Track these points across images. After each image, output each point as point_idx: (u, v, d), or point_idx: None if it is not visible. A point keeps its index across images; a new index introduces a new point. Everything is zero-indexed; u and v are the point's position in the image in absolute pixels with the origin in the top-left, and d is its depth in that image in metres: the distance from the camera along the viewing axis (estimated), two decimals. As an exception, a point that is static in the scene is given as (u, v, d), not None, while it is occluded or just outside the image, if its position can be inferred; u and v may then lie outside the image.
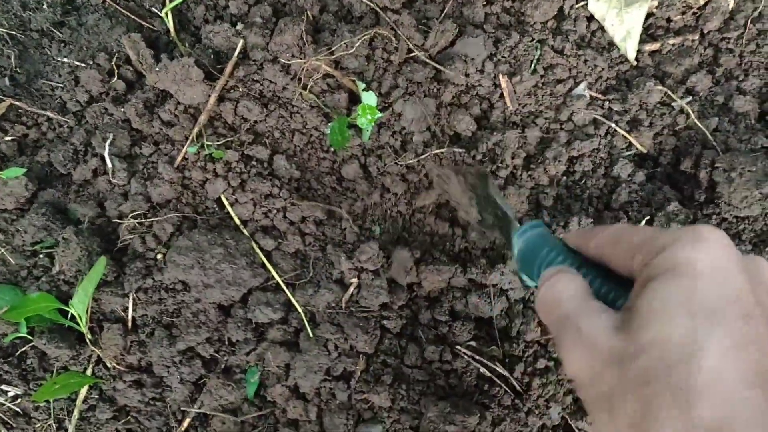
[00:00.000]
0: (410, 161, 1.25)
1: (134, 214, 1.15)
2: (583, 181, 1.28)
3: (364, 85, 1.20)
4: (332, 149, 1.27)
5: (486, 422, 1.09)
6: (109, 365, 1.14)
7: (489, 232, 1.20)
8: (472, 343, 1.16)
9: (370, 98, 1.20)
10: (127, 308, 1.13)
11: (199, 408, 1.13)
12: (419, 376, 1.11)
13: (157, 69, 1.18)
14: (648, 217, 1.22)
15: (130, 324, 1.14)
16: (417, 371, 1.12)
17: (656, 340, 0.47)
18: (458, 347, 1.12)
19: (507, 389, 1.14)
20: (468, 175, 1.02)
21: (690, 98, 1.34)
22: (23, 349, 1.15)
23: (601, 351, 0.50)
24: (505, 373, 1.14)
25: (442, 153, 1.26)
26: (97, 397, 1.15)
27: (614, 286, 0.57)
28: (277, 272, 1.15)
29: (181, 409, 1.14)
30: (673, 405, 0.44)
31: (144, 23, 1.27)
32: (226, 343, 1.14)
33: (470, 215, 1.01)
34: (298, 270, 1.17)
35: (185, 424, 1.13)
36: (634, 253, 0.53)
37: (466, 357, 1.12)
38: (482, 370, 1.12)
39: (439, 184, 1.20)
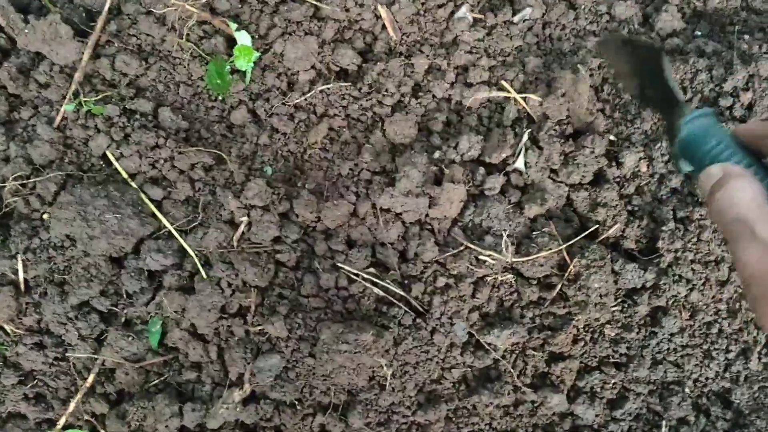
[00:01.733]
0: (297, 100, 1.25)
1: (15, 176, 1.14)
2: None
3: (236, 26, 1.20)
4: (221, 98, 1.26)
5: (385, 341, 1.10)
6: (7, 330, 1.13)
7: (648, 108, 1.14)
8: (371, 269, 1.17)
9: (244, 38, 1.20)
10: (17, 270, 1.12)
11: (102, 363, 1.13)
12: (316, 303, 1.11)
13: (25, 30, 1.17)
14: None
15: (22, 286, 1.13)
16: (313, 299, 1.12)
17: None
18: (354, 272, 1.12)
19: (407, 309, 1.15)
20: (639, 47, 1.00)
21: (573, 11, 1.35)
22: None
23: None
24: (404, 294, 1.15)
25: (328, 89, 1.26)
26: (1, 363, 1.15)
27: None
28: (168, 220, 1.15)
29: (85, 366, 1.14)
30: None
31: (14, -11, 1.26)
32: (123, 295, 1.14)
33: (629, 89, 0.96)
34: (189, 216, 1.16)
35: (90, 380, 1.12)
36: None
37: (362, 282, 1.12)
38: (379, 292, 1.12)
39: (603, 51, 1.13)
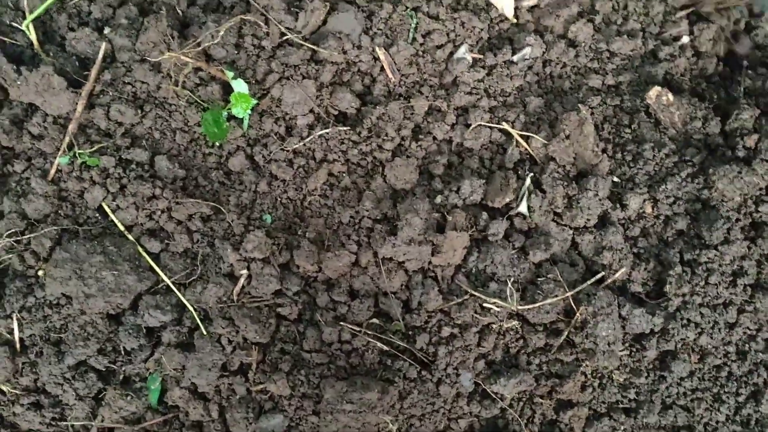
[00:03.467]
0: (296, 146, 1.23)
1: (9, 232, 1.12)
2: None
3: (232, 74, 1.18)
4: (218, 144, 1.24)
5: (391, 396, 1.07)
6: (4, 389, 1.11)
7: None
8: (374, 320, 1.14)
9: (241, 86, 1.18)
10: (13, 329, 1.10)
11: (101, 422, 1.10)
12: (318, 359, 1.09)
13: (18, 82, 1.15)
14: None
15: (18, 345, 1.10)
16: (316, 355, 1.09)
17: None
18: (355, 326, 1.10)
19: (411, 362, 1.12)
20: None
21: (573, 49, 1.33)
22: None
23: None
24: (408, 346, 1.12)
25: (327, 134, 1.24)
26: (-3, 424, 1.12)
27: None
28: (166, 273, 1.12)
29: (84, 425, 1.11)
30: None
31: (6, 39, 1.24)
32: (122, 352, 1.11)
33: None
34: (188, 269, 1.14)
35: (88, 440, 1.10)
36: None
37: (365, 335, 1.10)
38: (383, 346, 1.10)
39: None
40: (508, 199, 1.21)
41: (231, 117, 1.23)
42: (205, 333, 1.09)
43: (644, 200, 1.23)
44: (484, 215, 1.21)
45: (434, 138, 1.27)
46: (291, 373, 1.07)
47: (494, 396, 1.17)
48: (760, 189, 1.25)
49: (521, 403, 1.20)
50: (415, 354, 1.13)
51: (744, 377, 1.25)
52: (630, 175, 1.26)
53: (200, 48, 1.20)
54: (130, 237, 1.14)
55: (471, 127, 1.26)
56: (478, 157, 1.27)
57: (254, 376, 1.08)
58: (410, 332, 1.14)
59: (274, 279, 1.11)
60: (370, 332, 1.09)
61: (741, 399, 1.24)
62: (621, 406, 1.23)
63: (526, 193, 1.21)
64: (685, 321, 1.21)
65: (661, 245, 1.24)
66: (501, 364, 1.19)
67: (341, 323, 1.10)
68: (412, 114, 1.27)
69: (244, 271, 1.11)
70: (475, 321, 1.16)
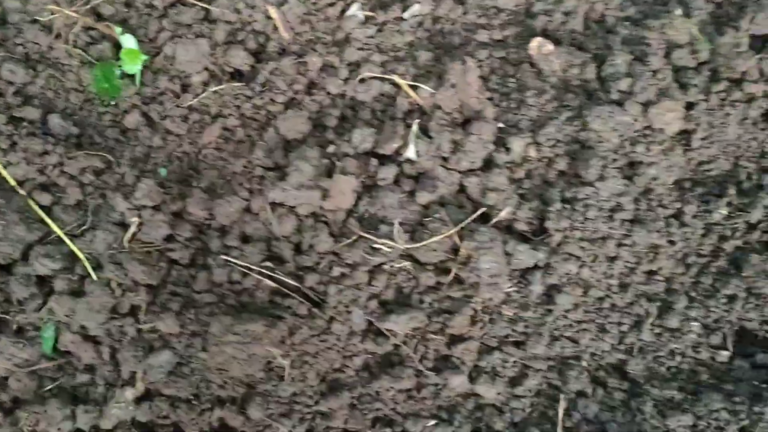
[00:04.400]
0: (190, 102, 1.27)
1: None
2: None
3: (120, 29, 1.21)
4: (114, 103, 1.27)
5: (279, 331, 1.11)
6: None
7: None
8: (266, 263, 1.18)
9: (129, 42, 1.21)
10: None
11: (-5, 371, 1.11)
12: (208, 299, 1.13)
13: None
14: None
15: None
16: (206, 295, 1.13)
17: None
18: (246, 265, 1.14)
19: (302, 300, 1.17)
20: None
21: (461, 6, 1.40)
22: None
23: None
24: (298, 285, 1.17)
25: (221, 90, 1.28)
26: None
27: None
28: (58, 225, 1.15)
29: (-22, 376, 1.13)
30: None
31: None
32: (14, 302, 1.13)
33: None
34: (80, 220, 1.16)
35: (-19, 390, 1.11)
36: None
37: (255, 275, 1.14)
38: (272, 284, 1.14)
39: None
40: (396, 146, 1.26)
41: (125, 75, 1.26)
42: (95, 278, 1.12)
43: (527, 144, 1.30)
44: (375, 162, 1.26)
45: (328, 93, 1.32)
46: (180, 313, 1.11)
47: (387, 333, 1.22)
48: (636, 131, 1.33)
49: (414, 340, 1.25)
50: (306, 293, 1.17)
51: (626, 308, 1.32)
52: (514, 122, 1.32)
53: (89, 6, 1.22)
54: (20, 191, 1.16)
55: (362, 81, 1.31)
56: (369, 109, 1.32)
57: (144, 317, 1.11)
58: (301, 272, 1.18)
59: (164, 225, 1.14)
60: (260, 270, 1.13)
61: (624, 329, 1.31)
62: (511, 339, 1.29)
63: (414, 139, 1.27)
64: (566, 255, 1.27)
65: (544, 185, 1.31)
66: (393, 302, 1.24)
67: (231, 263, 1.14)
68: (306, 70, 1.32)
69: (135, 219, 1.15)
70: (365, 261, 1.20)
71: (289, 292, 1.16)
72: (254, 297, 1.14)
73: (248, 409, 1.14)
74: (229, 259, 1.12)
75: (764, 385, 1.29)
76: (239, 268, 1.13)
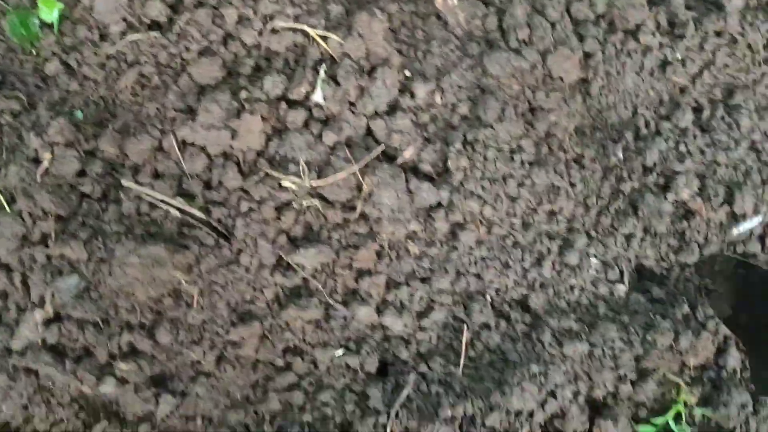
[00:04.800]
0: (108, 51, 1.33)
1: None
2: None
3: (37, -22, 1.27)
4: (35, 53, 1.33)
5: (185, 256, 1.17)
6: None
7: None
8: (177, 199, 1.24)
9: (46, -11, 1.27)
10: None
11: None
12: (116, 228, 1.18)
13: None
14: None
15: None
16: (115, 224, 1.19)
17: None
18: (154, 194, 1.20)
19: (209, 231, 1.23)
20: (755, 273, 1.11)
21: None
22: None
23: None
24: (206, 217, 1.23)
25: (139, 39, 1.34)
26: None
27: None
28: (-27, 163, 1.20)
29: None
30: None
31: None
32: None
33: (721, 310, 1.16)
34: (-5, 160, 1.22)
35: None
36: None
37: (163, 206, 1.20)
38: (176, 213, 1.20)
39: (707, 269, 1.27)
40: (305, 91, 1.33)
41: (44, 24, 1.32)
42: (9, 210, 1.17)
43: (432, 90, 1.37)
44: (284, 106, 1.32)
45: (243, 43, 1.38)
46: (89, 241, 1.17)
47: (296, 267, 1.29)
48: (536, 79, 1.41)
49: (323, 275, 1.31)
50: (215, 226, 1.23)
51: (528, 246, 1.39)
52: (420, 70, 1.40)
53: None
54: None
55: (275, 32, 1.38)
56: (282, 58, 1.38)
57: (54, 244, 1.16)
58: (209, 207, 1.25)
59: (75, 161, 1.20)
60: (167, 200, 1.19)
61: (527, 265, 1.39)
62: (417, 275, 1.35)
63: (321, 84, 1.33)
64: (468, 193, 1.35)
65: (448, 129, 1.38)
66: (302, 238, 1.31)
67: (140, 192, 1.19)
68: (222, 22, 1.38)
69: (48, 155, 1.20)
70: (273, 197, 1.27)
71: (196, 224, 1.22)
72: (162, 228, 1.20)
73: (157, 334, 1.20)
74: (135, 187, 1.18)
75: (658, 317, 1.37)
76: (147, 198, 1.19)
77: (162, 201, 1.19)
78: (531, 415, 1.32)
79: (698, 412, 1.37)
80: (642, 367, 1.37)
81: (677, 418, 1.36)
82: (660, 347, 1.34)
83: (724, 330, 1.35)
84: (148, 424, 1.25)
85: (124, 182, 1.19)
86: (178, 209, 1.19)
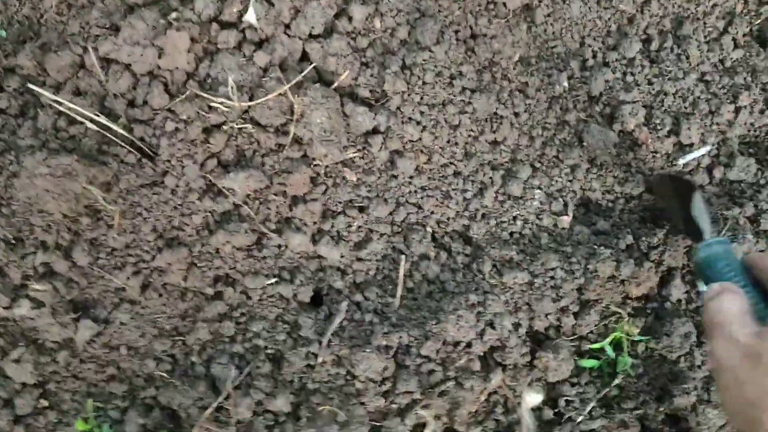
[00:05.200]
0: (33, -31, 1.27)
1: None
2: None
3: None
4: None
5: (101, 171, 1.13)
6: None
7: (678, 229, 1.29)
8: (98, 118, 1.19)
9: None
10: None
11: None
12: (31, 142, 1.14)
13: None
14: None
15: None
16: (30, 140, 1.14)
17: None
18: (72, 107, 1.15)
19: (131, 149, 1.18)
20: (680, 183, 1.22)
21: None
22: None
23: (740, 346, 0.68)
24: (128, 135, 1.18)
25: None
26: None
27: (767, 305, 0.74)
28: None
29: None
30: None
31: None
32: None
33: (671, 218, 1.26)
34: None
35: None
36: None
37: (82, 120, 1.15)
38: (93, 127, 1.15)
39: (654, 186, 1.35)
40: (236, 10, 1.28)
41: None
42: None
43: (370, 13, 1.33)
44: (215, 27, 1.28)
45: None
46: (1, 155, 1.12)
47: (226, 192, 1.24)
48: (479, 4, 1.37)
49: (256, 202, 1.27)
50: (137, 144, 1.19)
51: (470, 176, 1.36)
52: (359, -6, 1.35)
53: None
54: None
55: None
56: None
57: (-36, 159, 1.12)
58: (132, 126, 1.20)
59: (-10, 74, 1.15)
60: (88, 114, 1.14)
61: (468, 195, 1.35)
62: (355, 204, 1.31)
63: (254, 4, 1.29)
64: (406, 119, 1.31)
65: (386, 54, 1.34)
66: (234, 163, 1.26)
67: (57, 105, 1.15)
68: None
69: (-37, 70, 1.15)
70: (202, 118, 1.22)
71: (118, 141, 1.17)
72: (80, 144, 1.16)
73: (74, 254, 1.16)
74: (49, 95, 1.13)
75: (602, 247, 1.34)
76: (66, 113, 1.14)
77: (80, 114, 1.14)
78: (469, 345, 1.29)
79: (641, 344, 1.34)
80: (584, 298, 1.34)
81: (618, 348, 1.33)
82: (602, 277, 1.30)
83: (669, 261, 1.32)
84: (69, 352, 1.21)
85: (34, 88, 1.13)
86: (97, 123, 1.14)
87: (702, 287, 0.85)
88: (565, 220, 1.37)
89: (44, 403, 1.19)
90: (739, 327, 0.71)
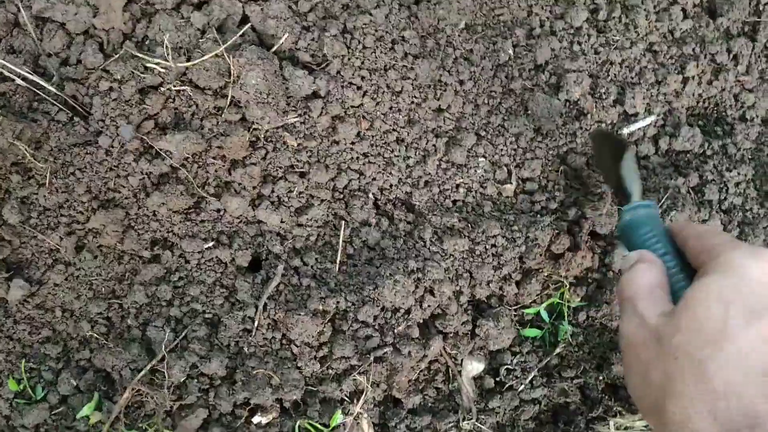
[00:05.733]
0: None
1: None
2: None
3: None
4: None
5: (29, 128, 1.12)
6: None
7: (607, 187, 1.30)
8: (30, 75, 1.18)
9: None
10: None
11: None
12: (-42, 99, 1.13)
13: None
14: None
15: None
16: (-44, 96, 1.13)
17: (693, 322, 0.56)
18: (2, 66, 1.14)
19: (62, 107, 1.17)
20: (613, 141, 1.22)
21: None
22: None
23: (647, 326, 0.61)
24: (60, 93, 1.17)
25: None
26: None
27: (685, 276, 0.68)
28: None
29: None
30: (692, 376, 0.53)
31: None
32: None
33: (603, 174, 1.27)
34: None
35: None
36: (706, 251, 0.63)
37: (14, 79, 1.14)
38: (21, 83, 1.14)
39: (591, 142, 1.35)
40: (176, -28, 1.27)
41: None
42: None
43: (312, -22, 1.32)
44: (154, -12, 1.27)
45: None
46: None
47: (163, 153, 1.23)
48: (425, -30, 1.36)
49: (194, 165, 1.26)
50: (69, 102, 1.18)
51: (414, 143, 1.35)
52: (303, -42, 1.34)
53: None
54: None
55: None
56: None
57: None
58: (65, 84, 1.19)
59: None
60: (14, 69, 1.13)
61: (411, 162, 1.34)
62: (296, 169, 1.31)
63: (194, -34, 1.28)
64: (347, 83, 1.30)
65: (327, 18, 1.33)
66: (172, 127, 1.25)
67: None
68: None
69: None
70: (137, 78, 1.21)
71: (49, 99, 1.16)
72: (10, 101, 1.15)
73: (4, 212, 1.15)
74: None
75: (542, 216, 1.33)
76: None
77: (9, 70, 1.12)
78: (408, 312, 1.28)
79: (582, 313, 1.33)
80: (526, 267, 1.33)
81: (559, 317, 1.33)
82: (541, 245, 1.30)
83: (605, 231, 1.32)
84: (1, 311, 1.20)
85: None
86: (28, 80, 1.13)
87: (624, 252, 0.80)
88: (509, 189, 1.37)
89: (-25, 362, 1.19)
90: (648, 304, 0.65)
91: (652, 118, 1.38)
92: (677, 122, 1.41)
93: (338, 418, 1.23)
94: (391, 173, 1.34)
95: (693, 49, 1.44)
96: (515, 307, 1.34)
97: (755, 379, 0.51)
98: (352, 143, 1.32)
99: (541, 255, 1.31)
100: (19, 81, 1.14)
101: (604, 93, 1.38)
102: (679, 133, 1.39)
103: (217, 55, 1.22)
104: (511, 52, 1.39)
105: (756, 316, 0.53)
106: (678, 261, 0.71)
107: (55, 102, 1.17)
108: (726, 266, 0.59)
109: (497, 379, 1.35)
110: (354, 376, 1.26)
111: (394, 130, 1.34)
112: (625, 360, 0.64)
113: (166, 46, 1.21)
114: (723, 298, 0.55)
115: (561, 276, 1.33)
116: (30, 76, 1.15)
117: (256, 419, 1.23)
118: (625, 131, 1.38)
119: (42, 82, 1.16)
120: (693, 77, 1.42)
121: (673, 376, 0.55)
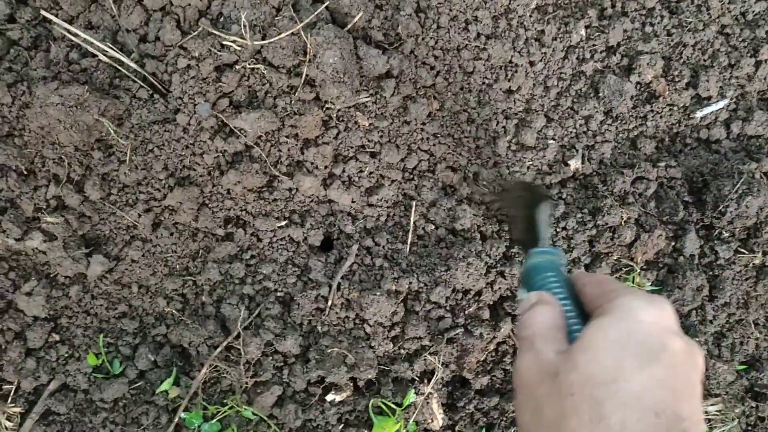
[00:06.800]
0: None
1: None
2: None
3: None
4: None
5: (113, 103, 1.12)
6: None
7: (514, 235, 1.30)
8: (111, 51, 1.19)
9: None
10: None
11: None
12: (43, 73, 1.13)
13: None
14: None
15: None
16: (42, 71, 1.13)
17: (590, 361, 0.56)
18: (86, 38, 1.14)
19: (143, 84, 1.17)
20: (531, 190, 1.20)
21: None
22: None
23: (544, 363, 0.61)
24: (140, 70, 1.17)
25: None
26: None
27: (581, 321, 0.69)
28: None
29: None
30: (587, 414, 0.53)
31: None
32: None
33: (509, 215, 1.27)
34: None
35: None
36: (604, 294, 0.65)
37: (94, 51, 1.14)
38: (105, 59, 1.14)
39: (506, 186, 1.32)
40: (251, -51, 1.26)
41: None
42: (-71, 53, 1.12)
43: (385, -44, 1.31)
44: (229, -35, 1.26)
45: None
46: (14, 85, 1.11)
47: (238, 132, 1.23)
48: (497, -51, 1.34)
49: (267, 143, 1.26)
50: (150, 80, 1.18)
51: (484, 124, 1.34)
52: (375, -64, 1.33)
53: None
54: None
55: None
56: None
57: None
58: (145, 60, 1.19)
59: (4, 4, 1.14)
60: (99, 45, 1.13)
61: (481, 143, 1.34)
62: (367, 149, 1.30)
63: (269, -57, 1.27)
64: (420, 63, 1.29)
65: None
66: (245, 104, 1.25)
67: (71, 37, 1.14)
68: None
69: (-27, 0, 1.14)
70: (214, 56, 1.21)
71: (130, 75, 1.16)
72: (93, 77, 1.15)
73: (86, 188, 1.15)
74: (63, 24, 1.12)
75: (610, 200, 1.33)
76: (78, 45, 1.13)
77: (93, 46, 1.13)
78: (479, 294, 1.28)
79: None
80: (596, 250, 1.33)
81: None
82: (610, 230, 1.29)
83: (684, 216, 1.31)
84: (80, 287, 1.21)
85: (49, 16, 1.12)
86: (109, 56, 1.13)
87: (522, 294, 0.80)
88: (577, 171, 1.36)
89: (56, 337, 1.20)
90: (546, 342, 0.64)
91: (724, 102, 1.36)
92: (749, 106, 1.39)
93: (411, 397, 1.24)
94: (461, 154, 1.33)
95: (766, 32, 1.41)
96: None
97: (649, 419, 0.52)
98: (423, 123, 1.32)
99: (611, 239, 1.31)
100: (101, 56, 1.14)
101: (677, 76, 1.36)
102: (751, 117, 1.37)
103: (293, 34, 1.22)
104: (582, 33, 1.38)
105: (648, 360, 0.55)
106: (576, 308, 0.72)
107: (135, 79, 1.17)
108: (621, 310, 0.60)
109: (564, 361, 1.35)
110: (425, 356, 1.27)
111: (464, 110, 1.33)
112: (519, 397, 0.64)
113: (243, 24, 1.21)
114: (618, 341, 0.57)
115: (631, 261, 1.32)
116: (112, 52, 1.15)
117: (329, 397, 1.24)
118: (698, 114, 1.36)
119: (124, 58, 1.16)
120: (766, 61, 1.40)
121: (567, 414, 0.56)
